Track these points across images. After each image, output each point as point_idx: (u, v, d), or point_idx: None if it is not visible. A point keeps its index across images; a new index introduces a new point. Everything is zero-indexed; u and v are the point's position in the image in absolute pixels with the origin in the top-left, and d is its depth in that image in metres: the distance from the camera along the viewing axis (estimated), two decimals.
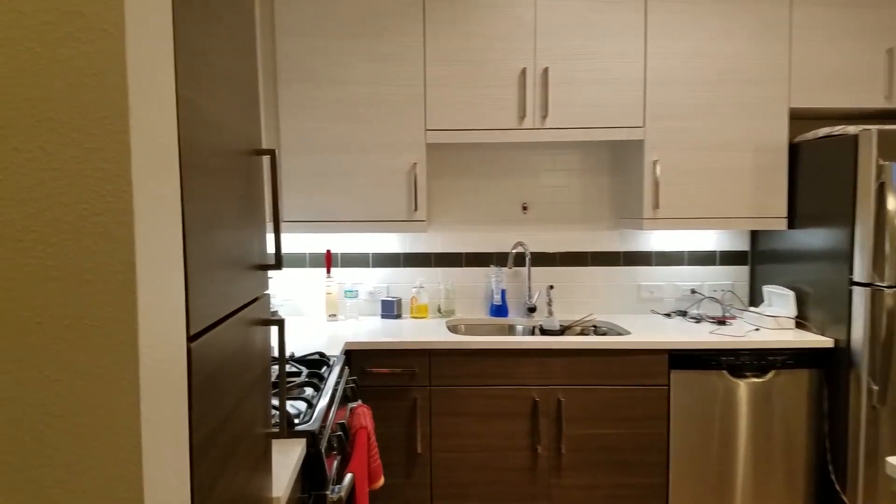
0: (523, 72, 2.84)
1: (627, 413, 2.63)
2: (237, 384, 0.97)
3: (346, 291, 3.01)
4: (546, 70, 2.83)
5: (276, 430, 1.17)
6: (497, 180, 3.19)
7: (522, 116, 2.86)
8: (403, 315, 3.12)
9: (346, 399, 2.03)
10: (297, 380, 1.84)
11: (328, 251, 3.03)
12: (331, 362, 2.12)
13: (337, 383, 1.98)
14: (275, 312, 2.94)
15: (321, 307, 3.11)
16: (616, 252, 3.22)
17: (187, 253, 0.75)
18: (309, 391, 1.80)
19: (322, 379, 1.92)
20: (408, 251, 3.16)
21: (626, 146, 3.12)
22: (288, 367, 2.02)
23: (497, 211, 3.19)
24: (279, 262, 1.15)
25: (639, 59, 2.85)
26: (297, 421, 1.56)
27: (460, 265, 3.19)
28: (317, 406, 1.68)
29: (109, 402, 0.60)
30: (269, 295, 1.17)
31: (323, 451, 1.53)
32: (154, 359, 0.64)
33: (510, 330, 3.10)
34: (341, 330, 2.77)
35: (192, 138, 0.79)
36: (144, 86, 0.63)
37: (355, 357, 2.57)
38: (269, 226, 2.60)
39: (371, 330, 2.77)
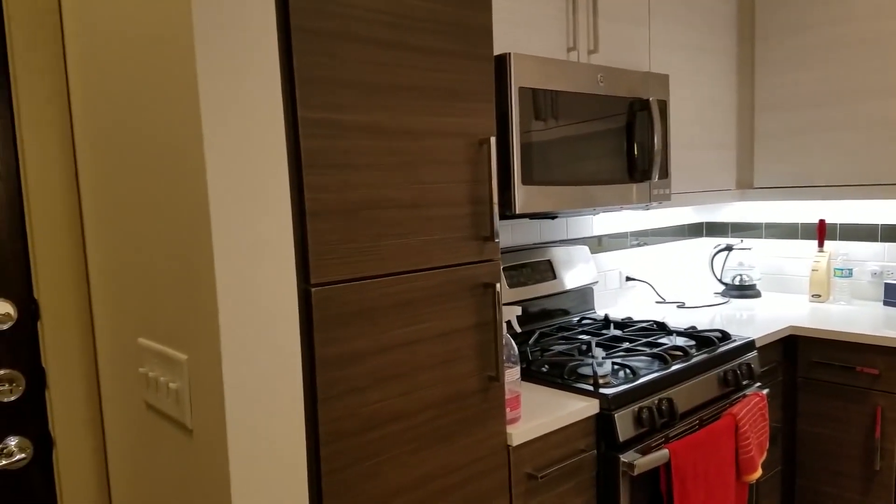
0: None
1: None
2: (413, 326, 1.25)
3: (835, 270, 2.56)
4: None
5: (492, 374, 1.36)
6: None
7: None
8: None
9: (726, 383, 1.88)
10: (653, 350, 1.86)
11: (821, 221, 2.62)
12: (724, 343, 1.98)
13: (712, 363, 1.86)
14: (752, 286, 2.76)
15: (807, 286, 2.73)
16: None
17: (307, 234, 1.10)
18: (645, 360, 1.80)
19: (686, 354, 1.85)
20: None
21: None
22: (666, 339, 2.01)
23: None
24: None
25: None
26: (601, 382, 1.65)
27: None
28: (643, 377, 1.69)
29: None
30: (489, 262, 1.36)
31: (616, 417, 1.57)
32: (239, 297, 1.03)
33: None
34: (813, 312, 2.41)
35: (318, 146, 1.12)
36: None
37: (803, 345, 2.22)
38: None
39: (854, 318, 2.30)
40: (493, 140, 1.35)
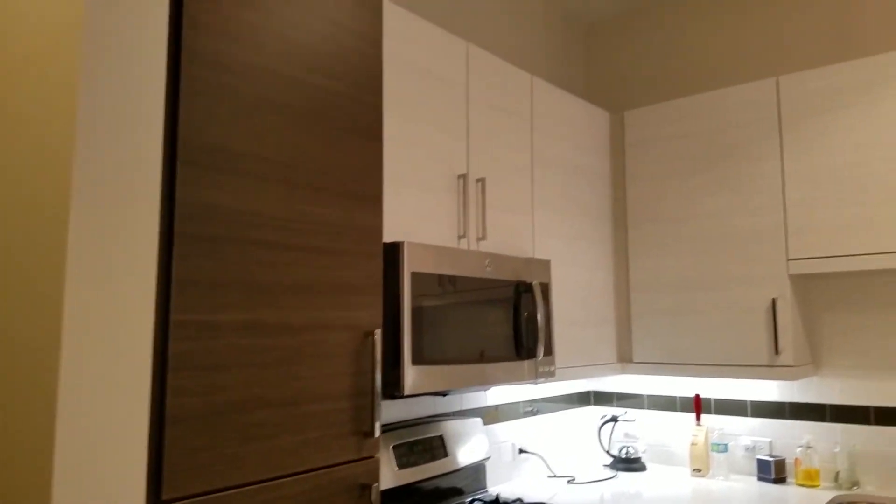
0: None
1: None
2: None
3: (712, 444, 2.67)
4: None
5: None
6: None
7: None
8: (788, 479, 2.54)
9: None
10: None
11: (696, 396, 2.77)
12: None
13: None
14: (637, 459, 2.82)
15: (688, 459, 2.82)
16: None
17: (164, 443, 1.05)
18: None
19: None
20: (794, 400, 2.60)
21: None
22: None
23: None
24: None
25: None
26: None
27: (867, 422, 2.43)
28: None
29: None
30: (369, 459, 1.33)
31: None
32: None
33: None
34: (695, 491, 2.47)
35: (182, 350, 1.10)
36: None
37: None
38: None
39: (732, 497, 2.38)
40: (377, 332, 1.37)
